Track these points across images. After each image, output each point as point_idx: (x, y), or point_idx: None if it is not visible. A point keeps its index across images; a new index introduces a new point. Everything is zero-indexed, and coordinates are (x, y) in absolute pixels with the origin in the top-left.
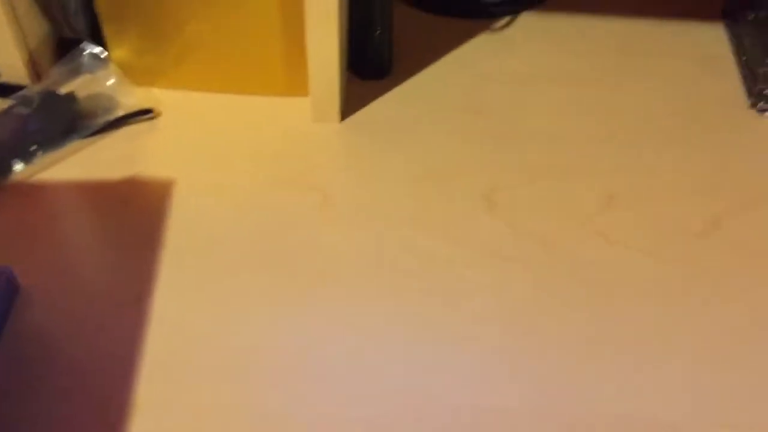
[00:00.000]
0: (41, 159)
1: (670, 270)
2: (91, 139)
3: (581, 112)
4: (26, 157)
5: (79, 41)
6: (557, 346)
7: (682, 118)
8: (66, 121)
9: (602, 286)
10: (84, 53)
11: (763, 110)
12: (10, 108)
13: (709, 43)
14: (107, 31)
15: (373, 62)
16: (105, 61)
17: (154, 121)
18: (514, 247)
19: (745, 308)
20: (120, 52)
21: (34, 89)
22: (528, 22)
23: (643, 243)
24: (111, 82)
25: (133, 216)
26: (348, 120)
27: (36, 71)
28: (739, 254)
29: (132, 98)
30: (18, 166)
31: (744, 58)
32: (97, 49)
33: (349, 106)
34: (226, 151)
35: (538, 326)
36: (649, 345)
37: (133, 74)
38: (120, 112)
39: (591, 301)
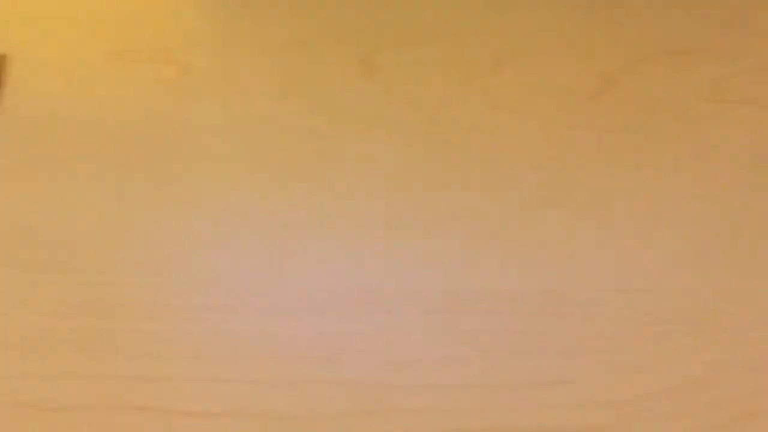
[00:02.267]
0: None
1: (560, 132)
2: None
3: None
4: None
5: None
6: (444, 223)
7: None
8: None
9: (486, 153)
10: None
11: None
12: None
13: None
14: None
15: None
16: None
17: None
18: (393, 116)
19: (642, 169)
20: None
21: None
22: None
23: (531, 106)
24: None
25: None
26: None
27: None
28: (633, 112)
29: None
30: None
31: None
32: None
33: None
34: (68, 22)
35: (416, 198)
36: (537, 212)
37: None
38: None
39: (473, 169)
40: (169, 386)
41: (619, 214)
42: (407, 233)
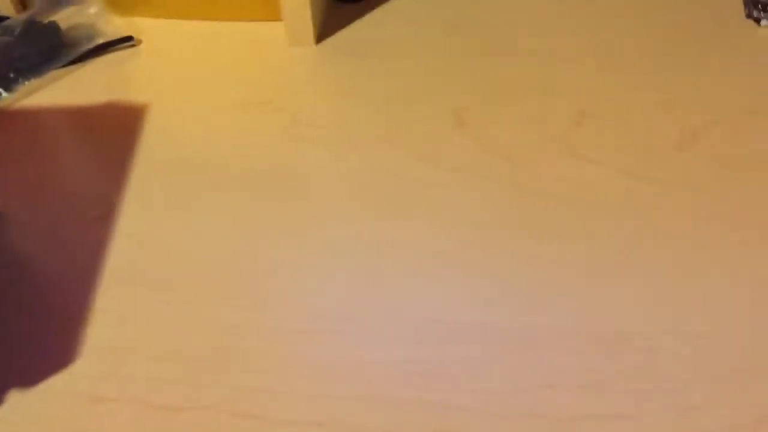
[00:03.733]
0: (23, 86)
1: (644, 186)
2: (72, 67)
3: (563, 29)
4: (8, 84)
5: None
6: (525, 264)
7: (673, 32)
8: (48, 48)
9: (571, 204)
10: None
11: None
12: None
13: None
14: None
15: None
16: None
17: (135, 48)
18: (483, 165)
19: (721, 223)
20: None
21: (18, 19)
22: None
23: (616, 158)
24: (93, 10)
25: (109, 139)
26: (324, 43)
27: (22, 3)
28: (716, 167)
29: (113, 27)
30: (1, 94)
31: None
32: None
33: (326, 29)
34: (201, 77)
35: (507, 245)
36: (624, 262)
37: (114, 4)
38: (101, 40)
39: (560, 219)
40: (268, 397)
41: (690, 264)
42: (490, 273)
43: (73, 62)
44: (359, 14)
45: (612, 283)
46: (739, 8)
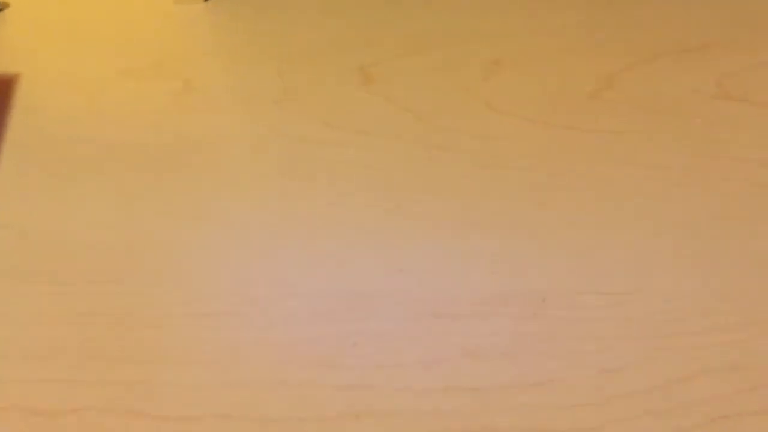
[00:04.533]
0: None
1: (557, 134)
2: None
3: None
4: None
5: None
6: (438, 227)
7: None
8: None
9: (485, 159)
10: None
11: None
12: None
13: None
14: None
15: None
16: None
17: (1, 13)
18: (392, 123)
19: (637, 169)
20: None
21: None
22: None
23: (530, 109)
24: None
25: None
26: None
27: None
28: (631, 113)
29: None
30: None
31: None
32: None
33: None
34: (78, 41)
35: (419, 208)
36: (534, 218)
37: None
38: None
39: (473, 177)
40: (165, 391)
41: (608, 216)
42: (401, 237)
43: None
44: None
45: (528, 240)
46: None
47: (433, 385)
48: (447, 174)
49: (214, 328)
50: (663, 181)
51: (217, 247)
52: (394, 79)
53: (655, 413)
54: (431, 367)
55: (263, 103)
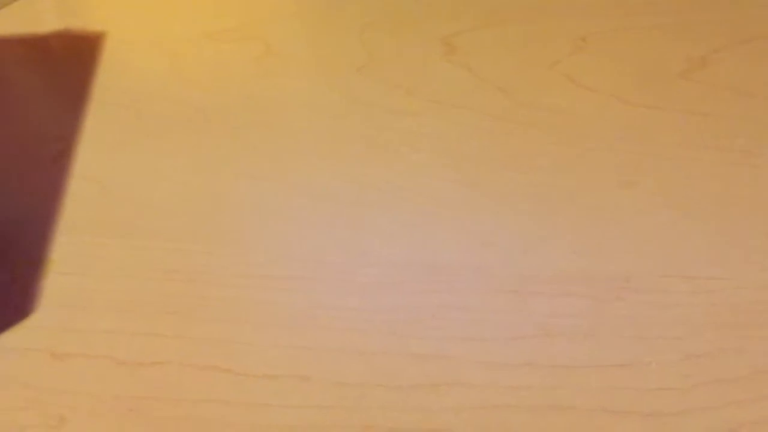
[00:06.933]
0: None
1: (645, 113)
2: None
3: None
4: None
5: None
6: (520, 202)
7: None
8: None
9: (569, 136)
10: None
11: None
12: None
13: None
14: None
15: None
16: None
17: None
18: (473, 94)
19: (726, 153)
20: None
21: None
22: None
23: (616, 86)
24: None
25: (62, 73)
26: None
27: None
28: (722, 95)
29: None
30: None
31: None
32: None
33: None
34: (162, 3)
35: (499, 182)
36: (617, 197)
37: None
38: None
39: (557, 153)
40: (244, 349)
41: (694, 199)
42: (482, 211)
43: None
44: None
45: (611, 220)
46: None
47: (512, 360)
48: (529, 149)
49: (291, 290)
50: (753, 167)
51: (294, 212)
52: (477, 50)
53: (739, 403)
54: (510, 342)
55: (345, 69)
